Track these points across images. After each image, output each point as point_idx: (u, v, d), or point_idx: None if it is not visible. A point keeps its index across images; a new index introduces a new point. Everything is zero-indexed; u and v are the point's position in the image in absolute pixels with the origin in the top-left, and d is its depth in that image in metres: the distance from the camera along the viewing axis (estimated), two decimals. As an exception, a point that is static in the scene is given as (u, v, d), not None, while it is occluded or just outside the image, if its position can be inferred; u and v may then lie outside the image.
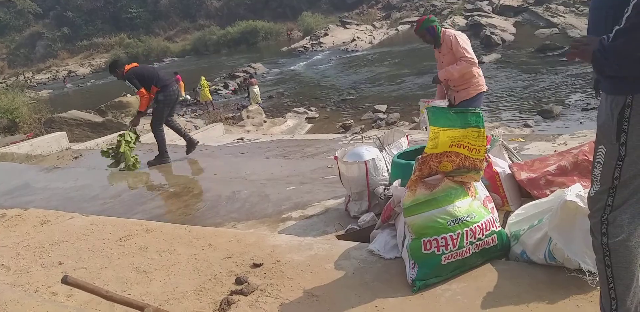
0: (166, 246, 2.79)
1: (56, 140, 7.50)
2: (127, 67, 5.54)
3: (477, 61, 4.19)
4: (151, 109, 5.68)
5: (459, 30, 23.21)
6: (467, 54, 4.09)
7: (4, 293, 2.38)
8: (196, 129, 10.68)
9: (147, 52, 43.47)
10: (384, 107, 12.51)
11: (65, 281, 1.61)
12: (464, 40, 4.15)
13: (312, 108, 13.97)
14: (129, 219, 3.47)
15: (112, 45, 46.96)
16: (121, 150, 5.39)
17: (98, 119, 11.52)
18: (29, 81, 38.87)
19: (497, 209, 2.47)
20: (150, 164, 5.62)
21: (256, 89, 15.51)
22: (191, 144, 5.75)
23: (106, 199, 4.35)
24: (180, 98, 18.49)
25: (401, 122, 10.67)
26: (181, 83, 18.28)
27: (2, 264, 2.94)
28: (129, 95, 19.34)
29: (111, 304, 2.10)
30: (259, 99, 15.52)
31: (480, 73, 4.31)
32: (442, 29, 4.29)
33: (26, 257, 2.98)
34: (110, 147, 5.70)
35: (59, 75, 42.00)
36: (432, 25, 4.23)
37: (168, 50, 43.55)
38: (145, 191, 4.48)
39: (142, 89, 5.33)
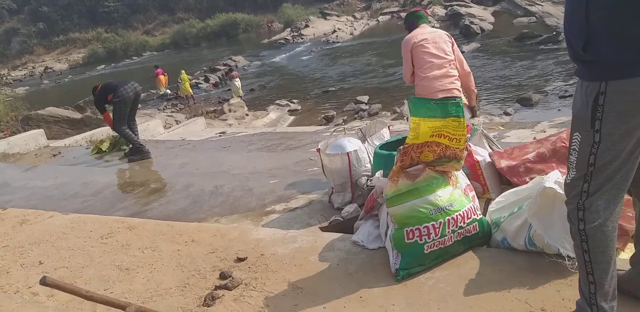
0: (149, 243, 2.76)
1: (34, 138, 7.36)
2: (97, 89, 5.73)
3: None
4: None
5: (439, 20, 23.12)
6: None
7: (-18, 295, 2.34)
8: (177, 124, 10.56)
9: (126, 46, 42.79)
10: (366, 98, 12.52)
11: (44, 282, 1.58)
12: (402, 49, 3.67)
13: (295, 100, 13.91)
14: (110, 216, 3.43)
15: (90, 40, 46.10)
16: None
17: (76, 115, 11.29)
18: (4, 78, 37.94)
19: (478, 197, 2.49)
20: (130, 160, 5.58)
21: (237, 82, 15.37)
22: (139, 151, 5.62)
23: (86, 197, 4.28)
24: (160, 92, 18.40)
25: (383, 113, 10.69)
26: (161, 77, 18.08)
27: (-19, 266, 2.89)
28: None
29: (93, 303, 2.08)
30: (241, 92, 15.40)
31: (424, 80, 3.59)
32: (419, 29, 3.70)
33: (5, 258, 2.93)
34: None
35: (36, 72, 41.11)
36: (412, 21, 3.85)
37: (147, 44, 42.88)
38: (127, 188, 4.42)
39: (105, 114, 5.67)
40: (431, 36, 3.52)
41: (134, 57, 39.67)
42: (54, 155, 6.60)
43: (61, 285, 1.58)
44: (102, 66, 37.51)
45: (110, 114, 5.62)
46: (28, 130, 8.81)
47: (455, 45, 3.62)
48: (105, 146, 6.28)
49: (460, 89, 3.58)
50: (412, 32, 3.67)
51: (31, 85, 32.73)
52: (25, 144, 7.18)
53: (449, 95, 3.43)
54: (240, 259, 2.39)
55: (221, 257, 2.46)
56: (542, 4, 25.02)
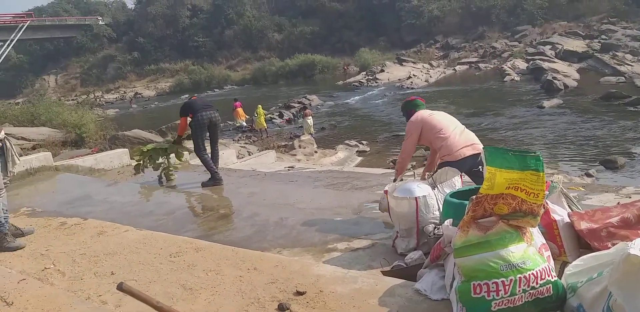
0: (213, 266, 2.85)
1: (118, 156, 7.91)
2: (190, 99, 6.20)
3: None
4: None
5: (519, 73, 22.71)
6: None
7: (58, 297, 2.51)
8: (249, 155, 10.95)
9: (209, 79, 45.47)
10: (437, 146, 12.37)
11: (120, 287, 1.68)
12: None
13: (364, 142, 14.01)
14: (179, 236, 3.58)
15: (177, 71, 49.52)
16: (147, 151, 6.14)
17: (158, 139, 12.06)
18: (98, 100, 41.44)
19: (554, 259, 2.37)
20: (203, 184, 5.82)
21: (310, 120, 15.80)
22: (214, 179, 5.84)
23: (160, 216, 4.51)
24: (237, 124, 19.25)
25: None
26: (239, 110, 18.99)
27: (59, 270, 3.10)
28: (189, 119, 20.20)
29: (158, 317, 2.16)
30: (312, 130, 15.78)
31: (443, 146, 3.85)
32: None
33: (81, 265, 3.13)
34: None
35: (126, 96, 44.52)
36: (410, 109, 4.08)
37: (229, 78, 45.36)
38: (197, 211, 4.62)
39: (182, 118, 5.95)
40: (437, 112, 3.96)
41: (215, 89, 41.98)
42: (135, 173, 7.04)
43: (135, 292, 1.68)
44: (186, 95, 39.88)
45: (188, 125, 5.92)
46: (114, 149, 9.51)
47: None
48: (147, 148, 6.28)
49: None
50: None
51: (121, 108, 35.39)
52: (110, 161, 7.72)
53: (476, 152, 3.71)
54: (299, 293, 2.40)
55: (281, 288, 2.49)
56: (632, 64, 24.01)
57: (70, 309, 2.32)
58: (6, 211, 3.69)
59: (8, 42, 24.75)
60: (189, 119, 5.91)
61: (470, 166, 3.78)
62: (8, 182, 3.93)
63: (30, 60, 57.86)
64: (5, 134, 3.92)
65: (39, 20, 50.33)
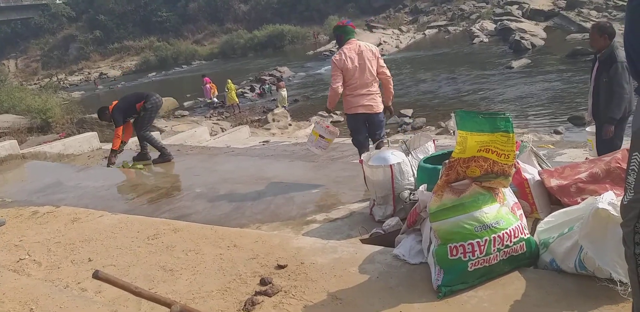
0: (192, 246, 2.83)
1: (87, 140, 7.70)
2: (110, 107, 5.95)
3: (334, 87, 4.14)
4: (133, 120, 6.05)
5: (487, 35, 22.78)
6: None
7: (36, 287, 2.46)
8: (223, 131, 10.81)
9: (176, 55, 44.25)
10: (410, 112, 12.43)
11: (96, 275, 1.65)
12: (332, 66, 4.21)
13: (337, 112, 13.92)
14: (156, 218, 3.54)
15: (142, 48, 47.99)
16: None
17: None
18: (62, 82, 40.00)
19: (526, 216, 2.42)
20: (154, 162, 5.95)
21: (284, 92, 15.60)
22: (164, 155, 5.95)
23: (135, 198, 4.44)
24: (208, 100, 18.92)
25: (427, 127, 10.58)
26: (210, 85, 18.61)
27: (34, 260, 3.04)
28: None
29: (139, 300, 2.15)
30: (286, 102, 15.62)
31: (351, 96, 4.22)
32: (347, 44, 4.17)
33: (57, 254, 3.07)
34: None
35: (91, 77, 43.12)
36: (339, 34, 4.26)
37: (196, 53, 44.22)
38: (173, 191, 4.56)
39: (118, 128, 5.84)
40: (357, 56, 4.08)
41: (183, 66, 40.97)
42: (106, 157, 6.88)
43: (112, 279, 1.65)
44: (153, 73, 38.94)
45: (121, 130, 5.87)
46: (82, 132, 9.25)
47: (380, 57, 4.24)
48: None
49: (381, 106, 4.23)
50: (340, 48, 4.20)
51: (86, 90, 34.33)
52: (79, 146, 7.52)
53: (369, 111, 4.15)
54: (280, 266, 2.41)
55: (262, 263, 2.49)
56: (597, 20, 24.22)
57: (49, 299, 2.29)
58: (-27, 203, 3.58)
59: (-42, 26, 23.42)
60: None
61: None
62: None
63: (-14, 45, 55.26)
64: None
65: (-6, 2, 47.86)
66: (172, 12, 49.39)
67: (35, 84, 37.19)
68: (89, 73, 45.94)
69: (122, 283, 1.68)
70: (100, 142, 7.89)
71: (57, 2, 53.61)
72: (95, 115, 12.17)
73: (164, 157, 5.95)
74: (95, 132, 8.30)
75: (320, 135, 4.27)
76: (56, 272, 2.79)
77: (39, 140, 10.15)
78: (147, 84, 31.44)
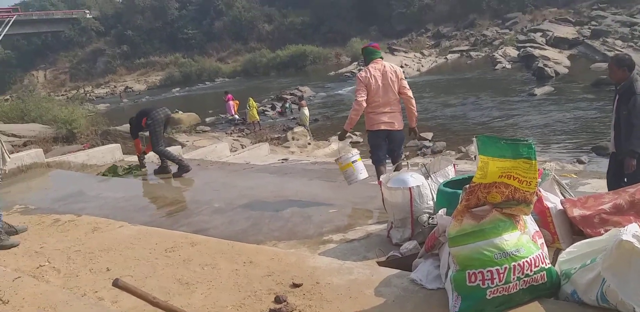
0: (209, 260, 2.85)
1: (111, 152, 7.85)
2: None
3: (359, 101, 4.22)
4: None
5: (510, 61, 22.69)
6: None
7: (54, 294, 2.50)
8: (243, 148, 10.92)
9: (200, 71, 45.12)
10: (429, 135, 12.39)
11: (116, 284, 1.68)
12: (357, 82, 4.34)
13: (357, 133, 13.97)
14: (175, 231, 3.57)
15: (167, 64, 49.09)
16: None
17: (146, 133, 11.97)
18: (88, 95, 41.02)
19: (547, 246, 2.39)
20: (174, 175, 6.08)
21: (306, 111, 15.67)
22: (182, 168, 6.05)
23: (154, 210, 4.50)
24: (229, 117, 19.18)
25: (447, 151, 10.52)
26: (232, 102, 18.89)
27: (54, 267, 3.09)
28: (180, 112, 20.11)
29: (154, 310, 2.16)
30: (307, 121, 15.70)
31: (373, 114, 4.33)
32: (373, 63, 4.31)
33: (76, 262, 3.12)
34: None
35: (116, 91, 44.12)
36: (365, 54, 4.44)
37: (220, 70, 45.05)
38: (192, 205, 4.60)
39: (136, 140, 6.51)
40: (381, 75, 4.22)
41: (206, 82, 41.70)
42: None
43: (131, 288, 1.67)
44: (177, 89, 39.69)
45: (141, 142, 6.30)
46: (106, 144, 9.43)
47: (403, 78, 4.34)
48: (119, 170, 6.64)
49: (401, 124, 4.36)
50: (366, 66, 4.36)
51: (111, 102, 35.08)
52: (102, 157, 7.67)
53: (390, 128, 4.27)
54: (295, 285, 2.41)
55: (277, 281, 2.50)
56: (622, 49, 24.08)
57: (67, 306, 2.32)
58: (-1, 208, 3.67)
59: (-5, 37, 24.42)
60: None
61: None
62: (0, 179, 3.89)
63: (18, 56, 57.04)
64: (-5, 131, 3.87)
65: (26, 15, 49.56)
66: (198, 30, 50.64)
67: (62, 95, 38.22)
68: (115, 86, 47.05)
69: (141, 293, 1.71)
70: (123, 154, 8.03)
71: (88, 16, 55.42)
72: (119, 127, 12.49)
73: (182, 169, 6.04)
74: (119, 144, 8.46)
75: (352, 162, 4.29)
76: (74, 280, 2.84)
77: (63, 150, 10.35)
78: (170, 99, 32.04)
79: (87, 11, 56.99)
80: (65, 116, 13.55)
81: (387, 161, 4.51)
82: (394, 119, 4.31)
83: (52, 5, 58.82)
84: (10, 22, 24.34)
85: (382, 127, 4.30)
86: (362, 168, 4.33)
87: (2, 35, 24.64)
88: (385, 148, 4.41)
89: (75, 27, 54.49)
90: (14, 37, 52.21)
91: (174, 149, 7.35)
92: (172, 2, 52.30)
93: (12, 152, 7.05)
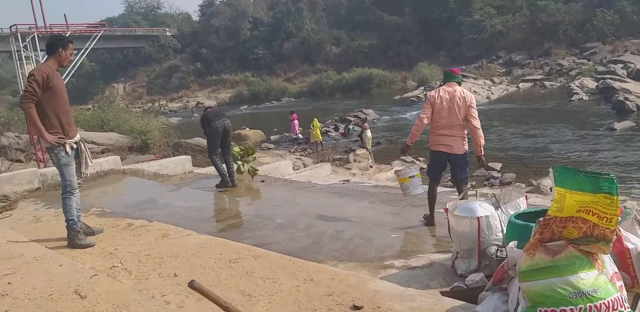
0: (271, 274, 2.91)
1: (181, 163, 8.24)
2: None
3: (421, 117, 4.41)
4: None
5: (588, 92, 21.68)
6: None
7: (127, 293, 2.64)
8: (305, 167, 11.09)
9: (267, 90, 46.63)
10: (498, 166, 11.99)
11: (191, 285, 1.76)
12: (426, 100, 4.50)
13: (421, 158, 13.79)
14: (238, 243, 3.67)
15: (237, 82, 51.17)
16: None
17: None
18: (162, 108, 43.41)
19: (626, 290, 2.24)
20: (217, 186, 6.38)
21: (369, 134, 15.74)
22: (223, 182, 6.34)
23: (220, 222, 4.66)
24: (293, 136, 19.62)
25: (517, 184, 10.10)
26: (297, 121, 19.35)
27: (125, 268, 3.26)
28: (247, 128, 20.81)
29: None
30: (370, 144, 15.72)
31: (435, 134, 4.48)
32: (446, 86, 4.42)
33: (146, 265, 3.28)
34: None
35: (189, 105, 46.42)
36: (443, 77, 4.60)
37: (286, 90, 46.35)
38: (255, 219, 4.72)
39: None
40: (449, 98, 4.28)
41: (273, 101, 42.97)
42: (197, 180, 7.31)
43: (205, 291, 1.75)
44: (245, 106, 41.13)
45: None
46: (177, 155, 9.92)
47: (473, 106, 4.32)
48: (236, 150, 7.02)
49: (462, 148, 4.37)
50: (440, 87, 4.47)
51: (183, 116, 36.87)
52: (173, 167, 8.06)
53: (448, 151, 4.33)
54: (356, 307, 2.40)
55: (337, 301, 2.50)
56: None
57: (139, 306, 2.44)
58: (79, 210, 3.93)
59: (82, 50, 26.47)
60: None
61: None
62: (81, 182, 4.18)
63: (102, 69, 61.58)
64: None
65: (111, 31, 53.54)
66: (268, 50, 52.56)
67: (139, 107, 40.70)
68: (187, 101, 49.51)
69: (214, 296, 1.78)
70: (193, 165, 8.39)
71: (167, 34, 59.01)
72: (189, 140, 13.09)
73: (223, 183, 6.35)
74: (189, 156, 8.86)
75: (409, 177, 4.43)
76: (144, 282, 2.98)
77: (137, 158, 10.99)
78: (239, 116, 33.18)
79: (167, 29, 60.72)
80: (140, 127, 14.42)
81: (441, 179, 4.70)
82: (454, 142, 4.36)
83: (135, 23, 63.07)
84: (97, 37, 26.47)
85: (441, 149, 4.40)
86: (418, 184, 4.48)
87: (89, 49, 26.70)
88: (440, 170, 4.54)
89: (155, 43, 58.20)
90: (99, 51, 56.38)
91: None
92: (245, 23, 54.83)
93: (93, 159, 7.56)
